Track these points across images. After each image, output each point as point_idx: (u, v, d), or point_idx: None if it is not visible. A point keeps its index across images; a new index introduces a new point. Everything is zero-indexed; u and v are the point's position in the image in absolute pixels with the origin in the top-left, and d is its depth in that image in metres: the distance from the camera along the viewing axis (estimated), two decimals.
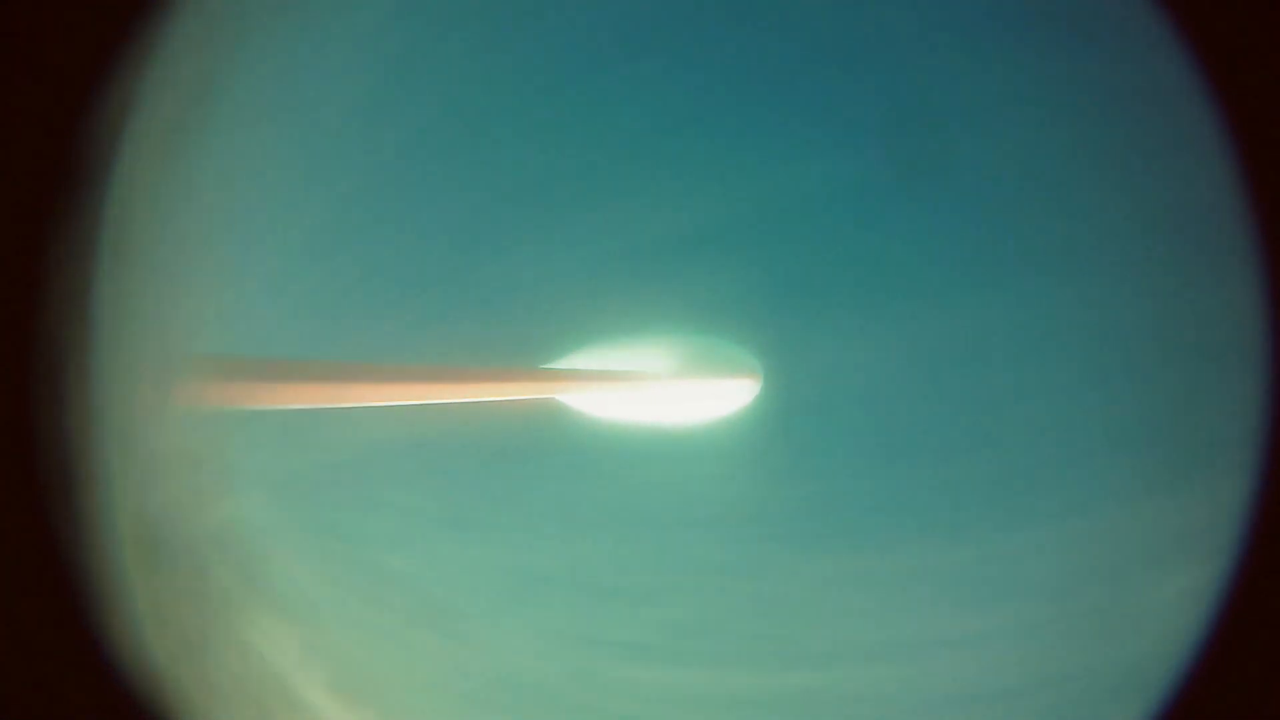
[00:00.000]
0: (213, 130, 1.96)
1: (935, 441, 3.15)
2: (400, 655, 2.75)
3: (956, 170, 2.97)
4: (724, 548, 3.13)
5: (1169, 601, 1.91)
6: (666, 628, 3.01)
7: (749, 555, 3.14)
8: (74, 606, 1.38)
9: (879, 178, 3.15)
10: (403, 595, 2.86)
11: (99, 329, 1.55)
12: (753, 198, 3.25)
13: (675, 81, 3.16)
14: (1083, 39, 2.42)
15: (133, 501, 1.66)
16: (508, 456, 3.22)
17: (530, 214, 3.26)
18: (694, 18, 3.13)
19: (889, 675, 2.81)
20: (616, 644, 2.96)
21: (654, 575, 3.10)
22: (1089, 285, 2.75)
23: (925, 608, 2.95)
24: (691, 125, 3.21)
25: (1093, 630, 2.42)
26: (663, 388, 3.46)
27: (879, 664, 2.84)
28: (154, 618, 1.64)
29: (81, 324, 1.48)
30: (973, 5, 2.81)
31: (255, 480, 2.74)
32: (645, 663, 2.92)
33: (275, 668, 2.23)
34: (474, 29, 3.02)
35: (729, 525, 3.14)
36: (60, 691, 1.36)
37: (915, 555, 3.04)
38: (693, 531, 3.14)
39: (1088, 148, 2.59)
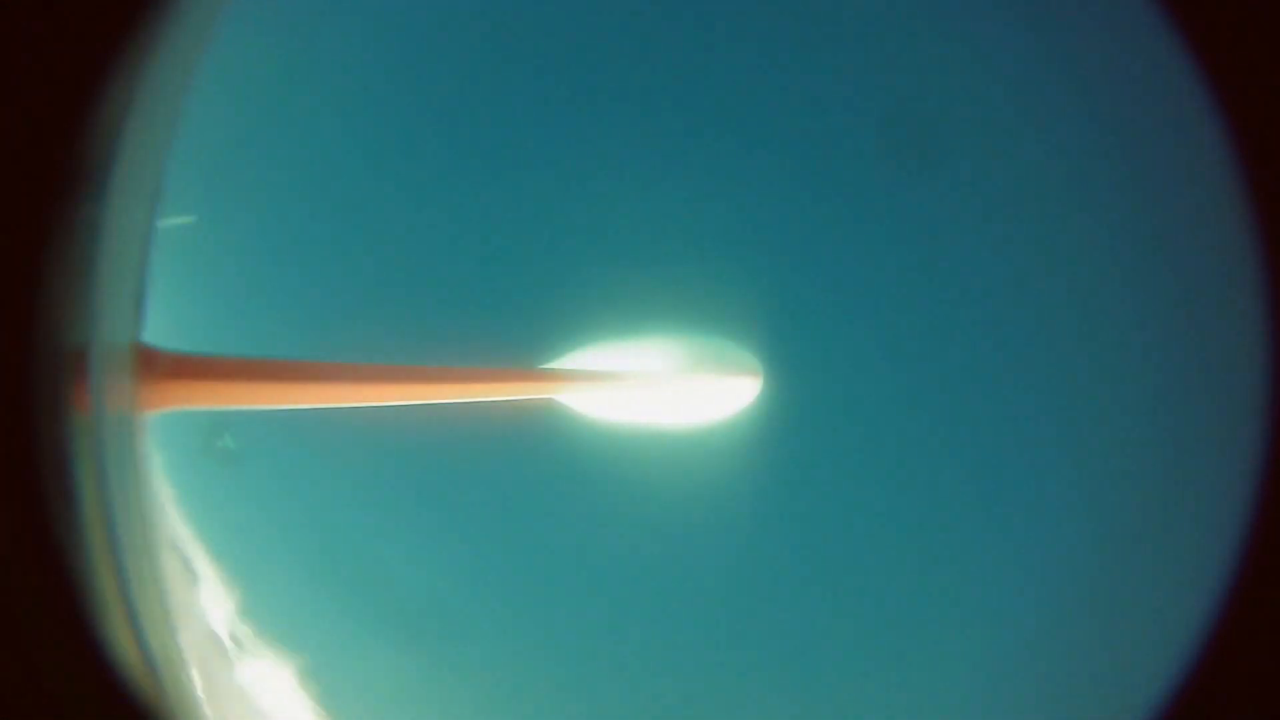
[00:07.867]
0: (211, 129, 1.96)
1: (935, 438, 3.15)
2: (396, 655, 2.75)
3: (957, 171, 2.97)
4: (723, 548, 3.13)
5: (1169, 601, 1.91)
6: (665, 629, 3.00)
7: (748, 554, 3.14)
8: (73, 606, 1.38)
9: (879, 177, 3.15)
10: (398, 595, 2.86)
11: (97, 327, 1.55)
12: (753, 198, 3.25)
13: (676, 82, 3.16)
14: (1082, 39, 2.43)
15: (129, 498, 1.66)
16: (507, 457, 3.22)
17: (530, 214, 3.26)
18: (695, 18, 3.13)
19: (888, 675, 2.81)
20: (615, 645, 2.95)
21: (652, 575, 3.10)
22: (1088, 285, 2.75)
23: (924, 605, 2.95)
24: (692, 125, 3.21)
25: (1093, 630, 2.42)
26: (663, 388, 3.45)
27: (876, 663, 2.84)
28: (150, 617, 1.64)
29: (81, 323, 1.48)
30: (973, 6, 2.81)
31: (251, 479, 2.74)
32: (644, 663, 2.92)
33: (266, 666, 2.23)
34: (475, 29, 3.02)
35: (728, 526, 3.14)
36: (60, 691, 1.36)
37: (914, 555, 3.03)
38: (692, 532, 3.13)
39: (1087, 148, 2.59)
